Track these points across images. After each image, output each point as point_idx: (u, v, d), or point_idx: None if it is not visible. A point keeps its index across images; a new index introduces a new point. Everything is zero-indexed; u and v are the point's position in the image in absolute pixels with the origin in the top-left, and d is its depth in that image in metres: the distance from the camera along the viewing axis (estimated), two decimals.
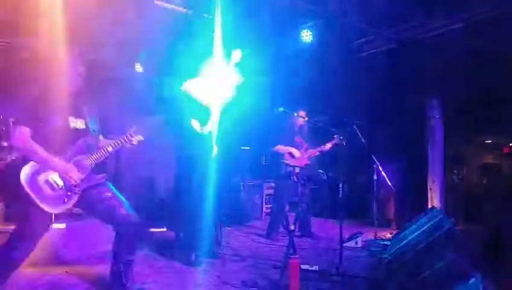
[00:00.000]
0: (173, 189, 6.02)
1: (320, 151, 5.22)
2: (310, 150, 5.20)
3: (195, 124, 3.76)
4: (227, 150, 4.08)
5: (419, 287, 1.56)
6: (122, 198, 2.71)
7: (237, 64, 5.86)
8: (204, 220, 3.79)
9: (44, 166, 2.40)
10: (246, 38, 5.54)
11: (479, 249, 2.61)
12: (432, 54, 5.30)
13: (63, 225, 3.69)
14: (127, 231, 2.64)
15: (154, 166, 7.02)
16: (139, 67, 5.85)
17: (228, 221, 6.07)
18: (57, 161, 2.42)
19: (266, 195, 7.19)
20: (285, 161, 4.78)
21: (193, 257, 3.66)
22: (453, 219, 5.05)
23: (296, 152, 4.95)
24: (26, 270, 3.24)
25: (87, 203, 2.62)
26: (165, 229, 5.67)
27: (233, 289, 2.97)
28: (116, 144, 2.65)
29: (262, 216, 7.03)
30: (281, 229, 5.15)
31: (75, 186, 2.48)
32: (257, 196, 7.06)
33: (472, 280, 1.27)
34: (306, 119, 5.01)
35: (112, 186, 2.73)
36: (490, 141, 8.64)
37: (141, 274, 3.30)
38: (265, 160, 7.42)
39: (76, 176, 2.46)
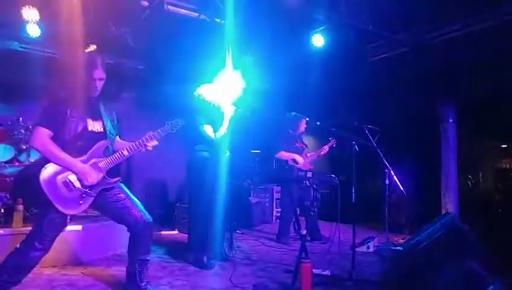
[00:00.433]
0: (185, 192, 6.06)
1: (318, 156, 5.28)
2: (309, 154, 5.24)
3: (208, 130, 3.79)
4: (237, 154, 4.10)
5: None
6: (136, 199, 2.76)
7: (247, 69, 5.91)
8: (216, 223, 3.81)
9: (63, 167, 2.45)
10: (257, 43, 5.57)
11: (494, 254, 2.57)
12: (445, 57, 5.24)
13: (79, 227, 3.75)
14: (141, 232, 2.69)
15: (165, 169, 7.08)
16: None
17: (238, 225, 6.09)
18: (75, 162, 2.47)
19: (276, 199, 7.19)
20: (297, 166, 4.79)
21: (205, 259, 3.69)
22: (467, 225, 5.00)
23: (299, 159, 4.96)
24: (43, 271, 3.32)
25: (102, 205, 2.67)
26: (176, 232, 5.72)
27: None
28: (131, 148, 2.67)
29: (272, 220, 7.04)
30: (291, 233, 5.16)
31: (90, 188, 2.52)
32: (267, 200, 7.07)
33: (490, 288, 1.26)
34: (305, 126, 5.09)
35: (125, 188, 2.77)
36: (505, 146, 8.51)
37: (155, 277, 3.34)
38: (275, 164, 7.43)
39: (93, 178, 2.50)
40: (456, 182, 5.44)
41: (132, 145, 2.69)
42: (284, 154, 4.97)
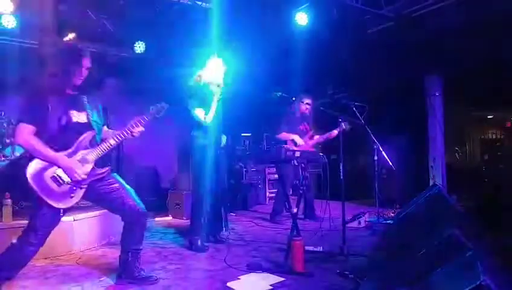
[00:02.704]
0: (177, 179, 6.08)
1: (326, 138, 5.21)
2: (316, 137, 5.21)
3: (200, 113, 3.76)
4: (228, 137, 4.10)
5: (417, 263, 1.60)
6: (130, 189, 2.75)
7: (232, 51, 5.85)
8: (210, 206, 3.84)
9: (49, 163, 2.42)
10: (241, 24, 5.50)
11: (479, 222, 2.64)
12: (429, 29, 5.24)
13: (71, 217, 3.74)
14: (135, 222, 2.70)
15: (157, 156, 7.07)
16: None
17: (232, 207, 6.14)
18: (60, 157, 2.44)
19: (269, 180, 7.26)
20: (285, 146, 4.81)
21: (199, 243, 3.73)
22: (454, 195, 5.10)
23: (299, 140, 4.97)
24: (36, 262, 3.33)
25: (95, 196, 2.66)
26: (170, 218, 5.76)
27: (239, 272, 3.03)
28: (118, 136, 2.64)
29: (265, 201, 7.11)
30: (284, 213, 5.23)
31: (80, 181, 2.49)
32: (260, 181, 7.13)
33: (469, 253, 1.30)
34: (309, 106, 5.02)
35: (118, 177, 2.76)
36: (491, 116, 8.63)
37: (149, 262, 3.38)
38: (266, 146, 7.47)
39: (80, 171, 2.48)
40: (443, 154, 5.52)
41: (118, 134, 2.66)
42: (284, 135, 5.00)
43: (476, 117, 7.56)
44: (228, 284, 2.75)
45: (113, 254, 3.65)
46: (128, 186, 2.75)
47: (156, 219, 5.66)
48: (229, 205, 6.08)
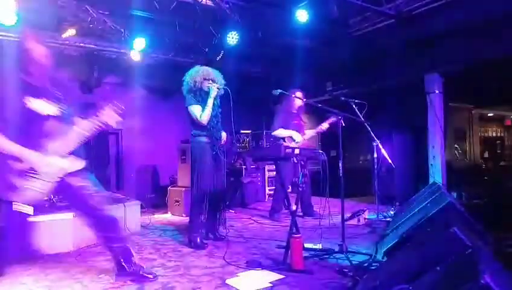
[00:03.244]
0: (177, 176, 6.08)
1: (317, 132, 5.26)
2: (307, 131, 5.23)
3: (196, 110, 3.75)
4: (228, 134, 4.09)
5: (416, 261, 1.59)
6: (101, 189, 2.69)
7: (234, 47, 5.84)
8: (209, 204, 3.83)
9: (16, 159, 2.36)
10: (241, 20, 5.48)
11: (480, 219, 2.64)
12: (430, 28, 5.22)
13: (71, 214, 3.74)
14: (104, 223, 2.64)
15: (157, 153, 7.08)
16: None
17: (232, 204, 6.15)
18: (27, 152, 2.38)
19: (268, 177, 7.26)
20: (284, 143, 4.81)
21: (198, 240, 3.73)
22: (454, 193, 5.10)
23: (297, 136, 4.97)
24: (37, 259, 3.33)
25: (64, 193, 2.60)
26: (169, 215, 5.76)
27: (238, 269, 3.03)
28: (89, 127, 2.52)
29: (265, 198, 7.11)
30: (284, 210, 5.23)
31: (48, 175, 2.41)
32: (259, 179, 7.13)
33: (469, 251, 1.29)
34: (303, 100, 5.01)
35: (90, 175, 2.67)
36: (492, 114, 8.62)
37: (148, 259, 3.38)
38: (265, 143, 7.47)
39: (49, 165, 2.40)
40: (443, 152, 5.51)
41: (90, 125, 2.52)
42: (281, 132, 4.98)
43: (476, 115, 7.56)
44: (227, 281, 2.75)
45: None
46: (98, 185, 2.68)
47: (156, 215, 5.67)
48: (228, 202, 6.10)
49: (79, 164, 2.55)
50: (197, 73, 3.80)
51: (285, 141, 4.95)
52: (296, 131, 5.03)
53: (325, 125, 5.07)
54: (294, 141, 4.93)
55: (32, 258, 3.34)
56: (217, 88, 3.76)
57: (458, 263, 1.28)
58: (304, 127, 5.20)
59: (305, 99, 5.04)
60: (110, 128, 2.62)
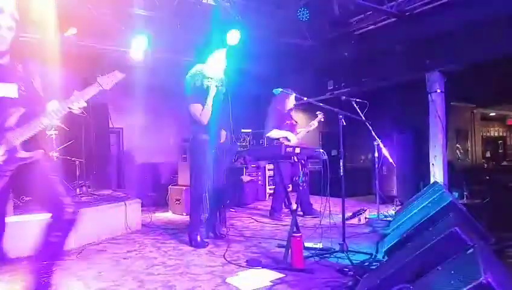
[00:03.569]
0: (177, 173, 6.08)
1: (307, 131, 5.28)
2: (299, 130, 5.24)
3: (197, 109, 3.74)
4: (228, 133, 4.09)
5: (417, 261, 1.59)
6: (62, 183, 2.38)
7: (235, 46, 5.83)
8: (209, 202, 3.83)
9: None
10: (242, 18, 5.48)
11: (482, 219, 2.63)
12: (431, 26, 5.21)
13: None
14: (65, 221, 2.26)
15: (157, 152, 7.08)
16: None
17: (232, 203, 6.15)
18: None
19: (269, 176, 7.26)
20: (285, 142, 4.80)
21: (199, 238, 3.73)
22: (455, 193, 5.09)
23: (292, 137, 4.96)
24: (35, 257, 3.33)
25: (22, 185, 2.25)
26: (170, 213, 5.76)
27: (238, 268, 3.03)
28: (52, 114, 2.17)
29: (265, 197, 7.11)
30: (284, 210, 5.22)
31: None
32: (260, 178, 7.12)
33: (470, 251, 1.29)
34: (293, 101, 5.04)
35: (50, 167, 2.32)
36: (494, 114, 8.60)
37: (149, 257, 3.38)
38: (266, 142, 7.46)
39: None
40: (445, 151, 5.50)
41: (53, 111, 2.18)
42: (276, 133, 4.97)
43: (478, 114, 7.53)
44: (227, 280, 2.75)
45: (114, 249, 3.67)
46: (61, 180, 2.34)
47: (156, 214, 5.67)
48: (228, 201, 6.10)
49: (33, 154, 2.18)
50: (197, 72, 3.80)
51: (279, 142, 4.94)
52: (289, 131, 5.02)
53: (315, 123, 5.15)
54: (289, 141, 4.92)
55: (32, 257, 3.34)
56: (215, 86, 3.74)
57: (459, 263, 1.27)
58: (296, 127, 5.22)
59: (305, 98, 5.00)
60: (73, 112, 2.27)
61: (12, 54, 2.19)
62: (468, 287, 1.03)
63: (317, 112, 5.18)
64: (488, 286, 0.99)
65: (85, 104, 2.27)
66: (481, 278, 1.02)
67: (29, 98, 2.20)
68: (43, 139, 2.35)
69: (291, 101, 5.08)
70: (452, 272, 1.22)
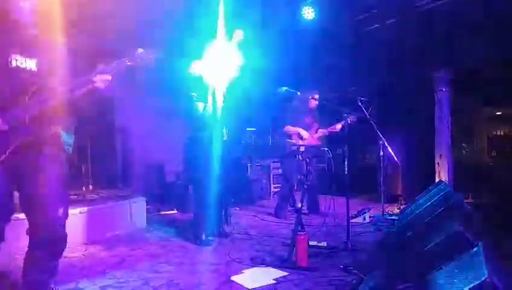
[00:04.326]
0: (182, 171, 6.10)
1: (330, 132, 5.21)
2: (320, 130, 5.20)
3: (198, 106, 3.76)
4: (233, 132, 4.09)
5: (421, 260, 1.59)
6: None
7: (240, 44, 5.82)
8: (214, 200, 3.84)
9: None
10: (247, 17, 5.47)
11: (487, 219, 2.62)
12: (438, 25, 5.18)
13: (77, 210, 3.77)
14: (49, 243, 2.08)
15: (163, 149, 7.11)
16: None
17: (237, 202, 6.16)
18: None
19: (274, 175, 7.25)
20: (290, 141, 4.80)
21: (203, 236, 3.74)
22: (460, 192, 5.06)
23: (304, 133, 4.95)
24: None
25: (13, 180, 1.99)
26: (175, 212, 5.78)
27: (243, 266, 3.04)
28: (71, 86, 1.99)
29: (270, 196, 7.11)
30: (289, 208, 5.23)
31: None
32: (264, 176, 7.13)
33: (474, 251, 1.29)
34: (317, 101, 4.98)
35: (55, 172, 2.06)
36: (500, 113, 8.52)
37: (154, 255, 3.40)
38: (271, 140, 7.46)
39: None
40: (450, 150, 5.47)
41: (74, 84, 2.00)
42: (289, 129, 4.98)
43: (484, 113, 7.47)
44: (232, 277, 2.76)
45: (119, 247, 3.69)
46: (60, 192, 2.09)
47: (161, 212, 5.70)
48: (233, 199, 6.11)
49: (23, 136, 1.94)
50: (203, 69, 3.80)
51: (291, 138, 4.94)
52: (305, 129, 5.01)
53: (338, 126, 5.04)
54: (301, 138, 4.92)
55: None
56: (215, 83, 3.75)
57: (463, 262, 1.27)
58: (314, 126, 5.17)
59: (317, 101, 4.96)
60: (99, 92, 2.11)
61: (31, 25, 2.02)
62: (471, 286, 1.03)
63: (345, 114, 5.01)
64: (492, 286, 1.00)
65: (109, 78, 2.11)
66: (485, 278, 1.02)
67: (47, 71, 2.05)
68: (57, 121, 2.07)
69: (312, 101, 5.04)
70: (456, 271, 1.22)
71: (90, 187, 5.15)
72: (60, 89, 2.01)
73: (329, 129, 5.13)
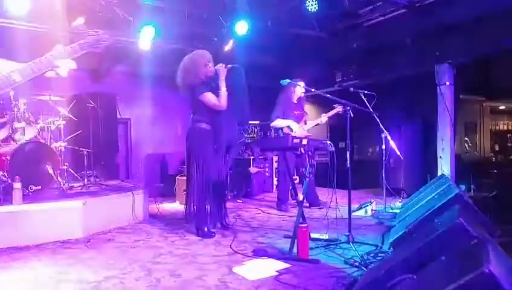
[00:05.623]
0: (185, 164, 6.12)
1: (317, 124, 5.26)
2: (309, 122, 5.22)
3: (210, 97, 3.72)
4: (237, 124, 4.08)
5: (421, 251, 1.60)
6: None
7: (243, 37, 5.80)
8: (214, 192, 3.85)
9: None
10: (250, 9, 5.45)
11: (489, 210, 2.62)
12: (441, 18, 5.13)
13: (81, 202, 3.80)
14: None
15: (165, 143, 7.13)
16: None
17: (239, 194, 6.18)
18: None
19: (276, 168, 7.27)
20: (292, 133, 4.80)
21: (206, 229, 3.76)
22: (462, 186, 5.06)
23: (294, 125, 4.96)
24: (46, 245, 3.41)
25: None
26: (177, 204, 5.82)
27: (244, 258, 3.06)
28: (26, 69, 1.87)
29: (272, 189, 7.13)
30: (291, 200, 5.24)
31: None
32: (267, 169, 7.14)
33: (474, 241, 1.29)
34: (303, 90, 4.96)
35: None
36: (503, 107, 8.48)
37: (156, 247, 3.43)
38: (273, 133, 7.46)
39: None
40: (453, 144, 5.46)
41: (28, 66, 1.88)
42: (279, 122, 4.97)
43: (487, 108, 7.44)
44: (233, 269, 2.78)
45: (122, 239, 3.72)
46: None
47: (164, 204, 5.73)
48: (235, 192, 6.13)
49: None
50: (200, 60, 3.79)
51: (283, 131, 4.95)
52: (295, 121, 5.01)
53: (324, 119, 5.11)
54: (292, 131, 4.91)
55: (41, 245, 3.42)
56: (224, 67, 3.73)
57: (463, 253, 1.28)
58: (304, 117, 5.19)
59: (304, 89, 4.93)
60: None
61: None
62: (470, 276, 1.04)
63: (335, 105, 5.02)
64: (490, 276, 1.00)
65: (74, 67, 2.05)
66: (483, 268, 1.03)
67: None
68: None
69: (298, 91, 5.05)
70: (455, 262, 1.23)
71: (93, 179, 5.18)
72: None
73: (316, 121, 5.17)
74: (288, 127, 4.96)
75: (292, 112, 5.05)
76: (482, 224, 2.31)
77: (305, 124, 5.20)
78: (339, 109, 4.95)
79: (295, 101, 5.12)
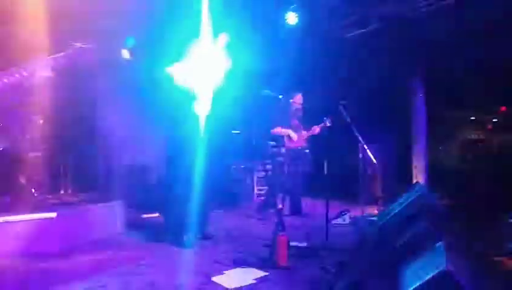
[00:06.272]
0: (164, 173, 6.08)
1: (311, 134, 5.38)
2: (304, 132, 5.35)
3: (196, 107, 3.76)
4: (217, 134, 4.12)
5: (392, 256, 1.67)
6: None
7: (224, 48, 5.86)
8: (195, 202, 3.85)
9: None
10: (231, 22, 5.53)
11: (459, 218, 2.74)
12: (415, 33, 5.36)
13: (53, 214, 3.72)
14: None
15: (145, 153, 7.07)
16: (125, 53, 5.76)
17: (220, 203, 6.18)
18: None
19: (257, 177, 7.31)
20: (271, 143, 4.90)
21: (185, 239, 3.75)
22: (435, 194, 5.23)
23: (294, 135, 5.09)
24: (18, 260, 3.32)
25: None
26: (157, 215, 5.76)
27: (224, 267, 3.07)
28: None
29: (253, 198, 7.16)
30: (271, 210, 5.29)
31: None
32: (248, 178, 7.18)
33: (439, 243, 1.37)
34: (301, 102, 5.14)
35: None
36: (474, 118, 8.82)
37: (136, 258, 3.40)
38: (254, 143, 7.52)
39: None
40: (426, 154, 5.65)
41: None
42: (279, 130, 5.10)
43: (459, 118, 7.72)
44: (213, 278, 2.79)
45: (99, 251, 3.66)
46: None
47: (144, 215, 5.67)
48: (217, 201, 6.12)
49: None
50: (182, 72, 3.84)
51: (280, 140, 5.08)
52: (294, 131, 5.15)
53: (317, 129, 5.23)
54: (291, 139, 5.05)
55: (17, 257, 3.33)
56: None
57: (428, 255, 1.36)
58: (301, 127, 5.33)
59: (301, 103, 5.11)
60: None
61: None
62: (432, 274, 1.11)
63: (324, 118, 5.15)
64: (449, 274, 1.08)
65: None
66: (443, 267, 1.10)
67: None
68: None
69: (297, 103, 5.18)
70: (420, 263, 1.30)
71: (69, 190, 5.08)
72: None
73: (310, 132, 5.27)
74: (287, 136, 5.09)
75: (291, 122, 5.20)
76: (449, 230, 2.41)
77: (301, 134, 5.30)
78: (327, 122, 5.14)
79: (293, 111, 5.25)
